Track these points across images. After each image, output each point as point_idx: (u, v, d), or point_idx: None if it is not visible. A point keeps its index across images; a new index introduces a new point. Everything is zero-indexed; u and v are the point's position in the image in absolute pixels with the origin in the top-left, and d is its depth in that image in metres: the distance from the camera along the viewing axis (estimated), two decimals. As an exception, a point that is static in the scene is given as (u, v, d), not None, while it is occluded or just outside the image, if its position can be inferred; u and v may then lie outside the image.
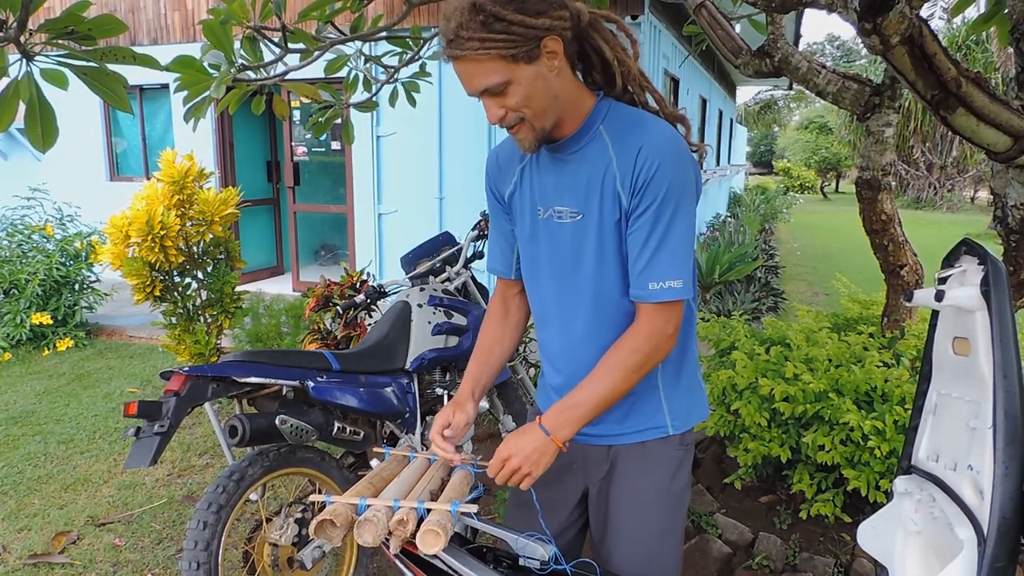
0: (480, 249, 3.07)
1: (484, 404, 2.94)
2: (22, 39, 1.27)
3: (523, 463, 1.25)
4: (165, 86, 7.05)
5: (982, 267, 1.22)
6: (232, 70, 2.20)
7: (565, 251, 1.34)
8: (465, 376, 1.50)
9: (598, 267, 1.31)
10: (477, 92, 1.21)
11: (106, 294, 5.74)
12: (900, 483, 1.41)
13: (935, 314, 1.38)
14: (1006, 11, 2.05)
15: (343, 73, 3.21)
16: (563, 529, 1.52)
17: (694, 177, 1.26)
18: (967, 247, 1.28)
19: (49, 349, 5.28)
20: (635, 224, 1.25)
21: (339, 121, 3.36)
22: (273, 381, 2.09)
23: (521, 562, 1.27)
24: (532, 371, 3.76)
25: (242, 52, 2.35)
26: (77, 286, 5.50)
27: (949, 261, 1.31)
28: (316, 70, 3.06)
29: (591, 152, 1.28)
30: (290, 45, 2.43)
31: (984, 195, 22.16)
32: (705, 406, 1.50)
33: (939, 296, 1.26)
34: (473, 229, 3.03)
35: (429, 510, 1.23)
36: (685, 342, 1.40)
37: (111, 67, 1.36)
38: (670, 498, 1.43)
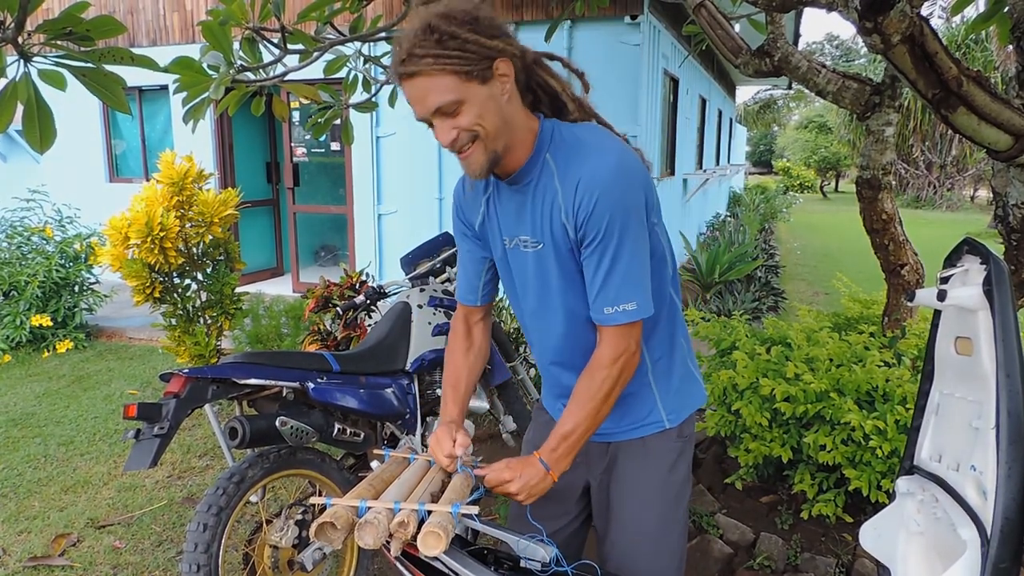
0: None
1: (484, 404, 2.93)
2: (20, 40, 1.27)
3: (520, 490, 1.32)
4: (164, 87, 7.05)
5: (984, 266, 1.21)
6: (231, 71, 2.20)
7: (532, 277, 1.40)
8: (445, 404, 1.53)
9: (565, 289, 1.36)
10: (429, 112, 1.20)
11: (106, 296, 5.73)
12: (902, 483, 1.41)
13: (937, 314, 1.37)
14: (1006, 10, 2.05)
15: (342, 74, 3.21)
16: (566, 521, 1.55)
17: (642, 196, 1.27)
18: (969, 246, 1.27)
19: (49, 351, 5.28)
20: (585, 254, 1.30)
21: (338, 122, 3.35)
22: (273, 383, 2.08)
23: (522, 564, 1.27)
24: (532, 371, 3.76)
25: (241, 53, 2.35)
26: (77, 288, 5.50)
27: (951, 260, 1.30)
28: (315, 71, 3.06)
29: (541, 183, 1.31)
30: (289, 46, 2.43)
31: (984, 194, 22.16)
32: (701, 393, 1.53)
33: (941, 296, 1.25)
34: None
35: (430, 512, 1.22)
36: (672, 336, 1.45)
37: (110, 68, 1.36)
38: (670, 489, 1.46)
